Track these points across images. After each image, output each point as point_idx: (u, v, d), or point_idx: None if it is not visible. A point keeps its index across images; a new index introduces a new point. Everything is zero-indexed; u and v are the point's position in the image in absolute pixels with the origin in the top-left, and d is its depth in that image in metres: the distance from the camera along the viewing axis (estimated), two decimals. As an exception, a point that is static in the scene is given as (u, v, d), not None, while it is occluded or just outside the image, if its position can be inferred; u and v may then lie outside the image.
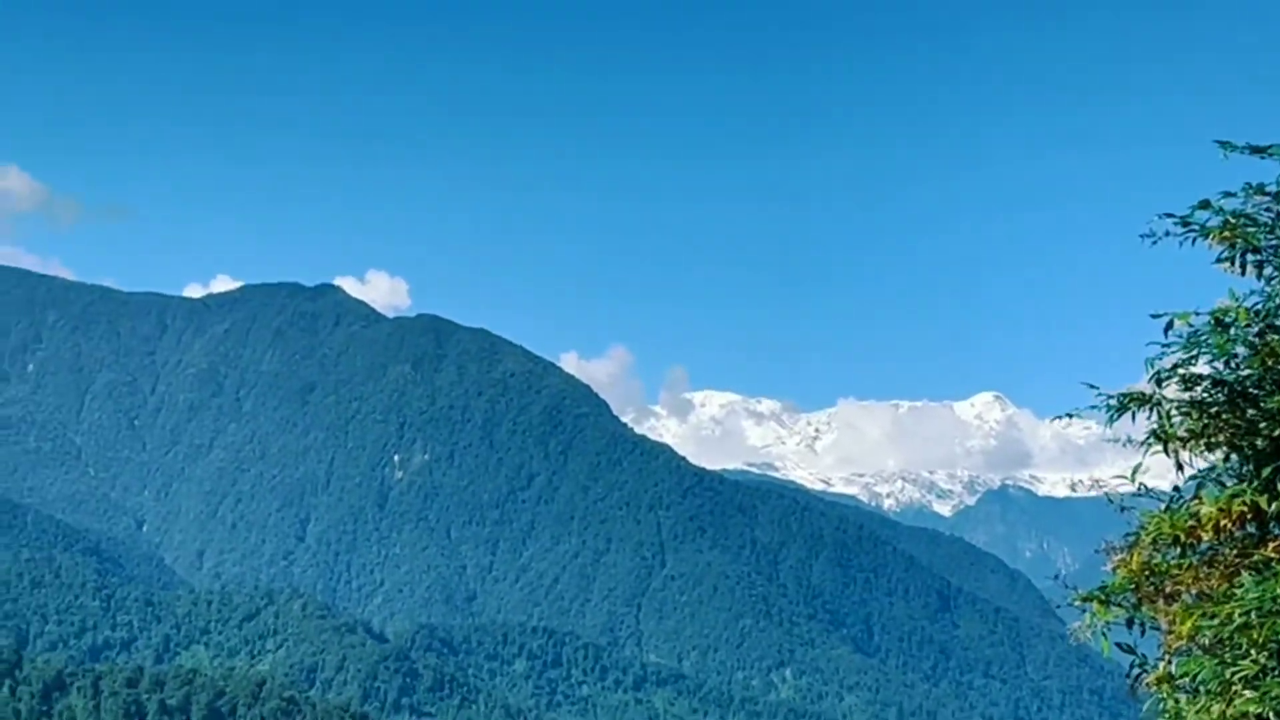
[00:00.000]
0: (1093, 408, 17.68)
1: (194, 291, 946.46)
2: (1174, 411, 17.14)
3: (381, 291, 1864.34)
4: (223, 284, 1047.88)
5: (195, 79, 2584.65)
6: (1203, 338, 16.81)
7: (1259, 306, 16.89)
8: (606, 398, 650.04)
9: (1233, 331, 16.76)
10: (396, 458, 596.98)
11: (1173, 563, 17.11)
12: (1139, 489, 17.37)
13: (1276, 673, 15.58)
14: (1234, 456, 17.12)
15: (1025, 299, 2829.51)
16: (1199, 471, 17.28)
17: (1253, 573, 16.15)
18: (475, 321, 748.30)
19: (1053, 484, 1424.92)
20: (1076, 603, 17.19)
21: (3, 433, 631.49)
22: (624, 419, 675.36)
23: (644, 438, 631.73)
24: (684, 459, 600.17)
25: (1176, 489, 17.36)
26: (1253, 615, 15.57)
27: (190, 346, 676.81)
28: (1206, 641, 16.31)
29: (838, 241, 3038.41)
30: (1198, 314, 16.94)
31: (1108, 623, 16.93)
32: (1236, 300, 16.85)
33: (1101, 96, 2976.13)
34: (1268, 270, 17.06)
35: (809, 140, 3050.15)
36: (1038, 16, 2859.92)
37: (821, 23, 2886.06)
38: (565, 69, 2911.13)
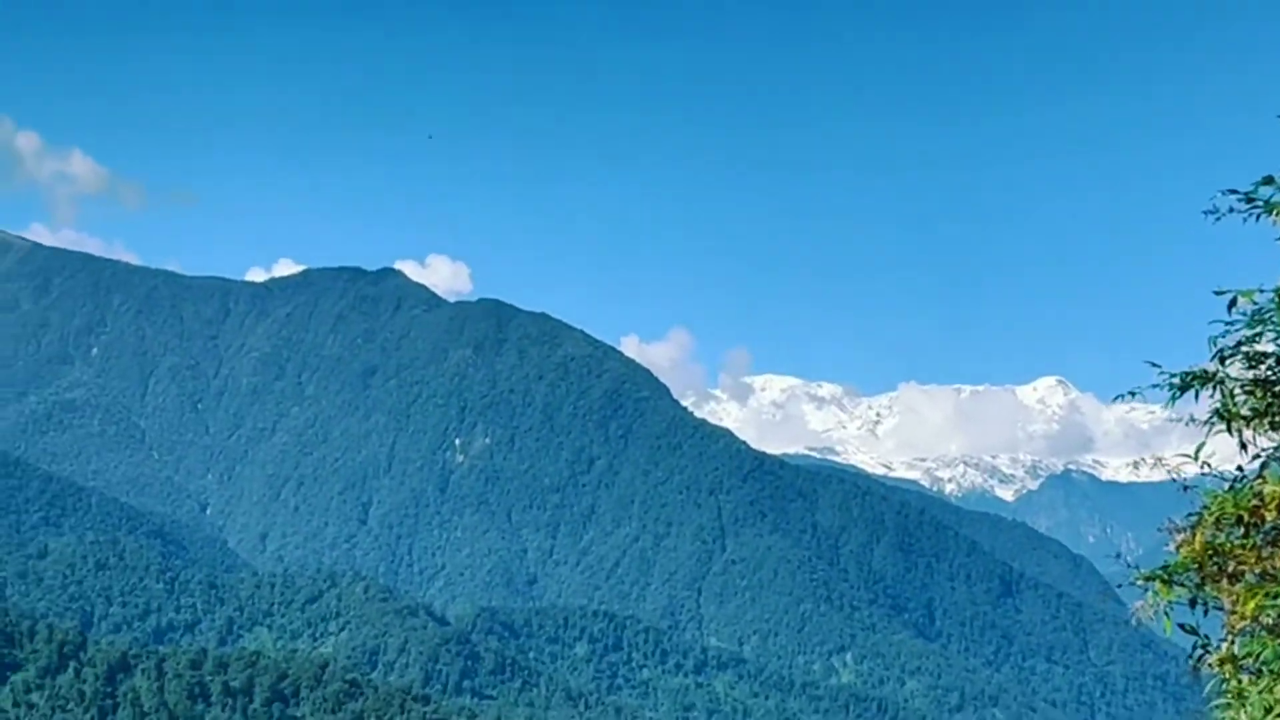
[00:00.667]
0: (1155, 386, 17.53)
1: (256, 275, 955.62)
2: (1237, 390, 16.97)
3: (443, 275, 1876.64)
4: (285, 268, 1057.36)
5: (258, 62, 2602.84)
6: (1267, 315, 16.62)
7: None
8: (667, 381, 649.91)
9: (1297, 308, 16.56)
10: (458, 441, 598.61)
11: (1236, 542, 16.92)
12: (1203, 468, 17.22)
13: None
14: (1299, 435, 16.94)
15: (1087, 282, 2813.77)
16: (1263, 451, 17.10)
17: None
18: (536, 305, 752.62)
19: (1116, 468, 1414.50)
20: (1139, 582, 17.04)
21: (68, 416, 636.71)
22: (684, 403, 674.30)
23: (704, 422, 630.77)
24: (744, 443, 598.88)
25: (1240, 469, 17.19)
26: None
27: (253, 330, 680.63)
28: (1270, 621, 16.17)
29: (899, 225, 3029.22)
30: (1261, 291, 16.75)
31: (1170, 603, 16.78)
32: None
33: (1161, 77, 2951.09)
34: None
35: (874, 120, 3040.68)
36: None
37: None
38: (623, 49, 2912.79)
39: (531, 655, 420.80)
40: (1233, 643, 16.75)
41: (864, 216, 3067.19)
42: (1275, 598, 15.85)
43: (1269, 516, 16.66)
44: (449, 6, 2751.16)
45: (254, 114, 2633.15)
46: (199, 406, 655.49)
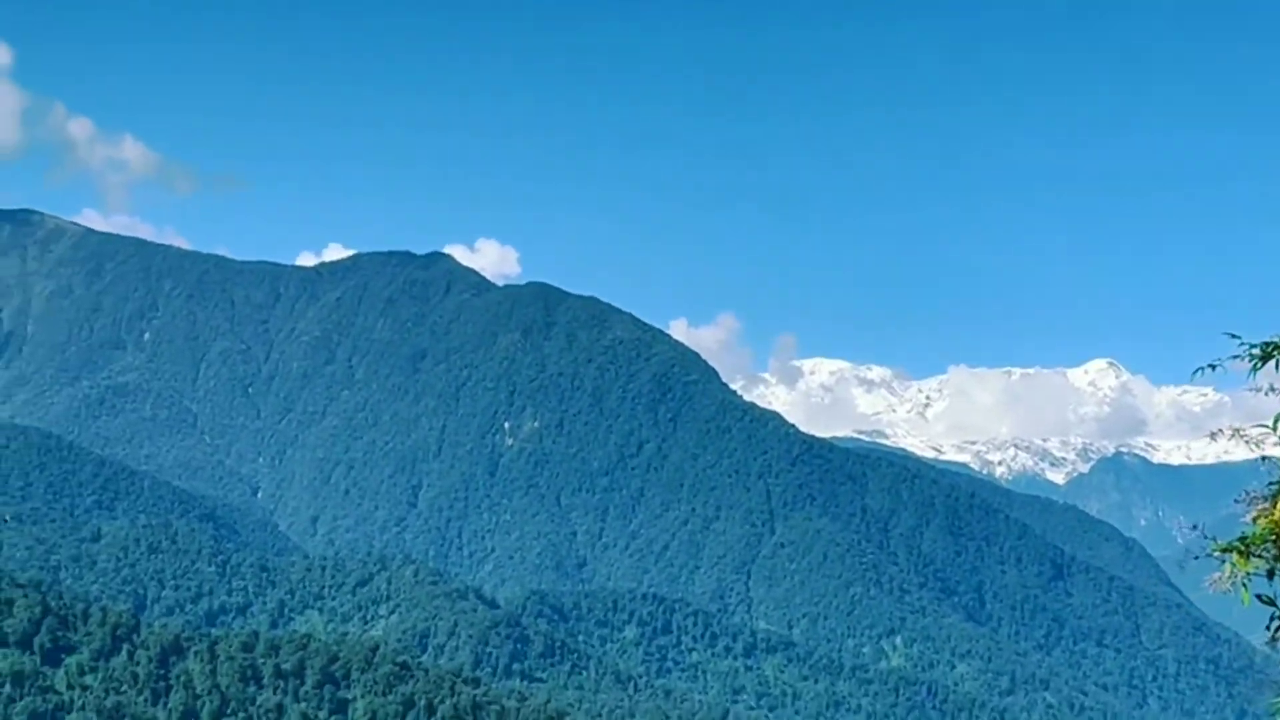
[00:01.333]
0: (1235, 357, 17.13)
1: (307, 260, 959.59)
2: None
3: (491, 259, 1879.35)
4: (335, 253, 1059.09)
5: (307, 47, 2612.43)
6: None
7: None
8: (715, 365, 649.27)
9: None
10: (507, 425, 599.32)
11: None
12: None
13: None
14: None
15: (1139, 264, 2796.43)
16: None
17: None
18: (585, 289, 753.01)
19: (1168, 451, 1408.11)
20: (1215, 553, 16.67)
21: (120, 400, 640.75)
22: (733, 386, 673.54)
23: (753, 405, 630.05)
24: (793, 426, 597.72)
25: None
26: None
27: (303, 315, 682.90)
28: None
29: (948, 207, 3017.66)
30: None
31: (1248, 574, 16.41)
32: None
33: (1205, 69, 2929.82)
34: None
35: (919, 103, 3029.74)
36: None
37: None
38: (671, 30, 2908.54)
39: (581, 638, 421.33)
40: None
41: (910, 201, 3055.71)
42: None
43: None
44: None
45: (304, 99, 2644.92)
46: (250, 391, 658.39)
